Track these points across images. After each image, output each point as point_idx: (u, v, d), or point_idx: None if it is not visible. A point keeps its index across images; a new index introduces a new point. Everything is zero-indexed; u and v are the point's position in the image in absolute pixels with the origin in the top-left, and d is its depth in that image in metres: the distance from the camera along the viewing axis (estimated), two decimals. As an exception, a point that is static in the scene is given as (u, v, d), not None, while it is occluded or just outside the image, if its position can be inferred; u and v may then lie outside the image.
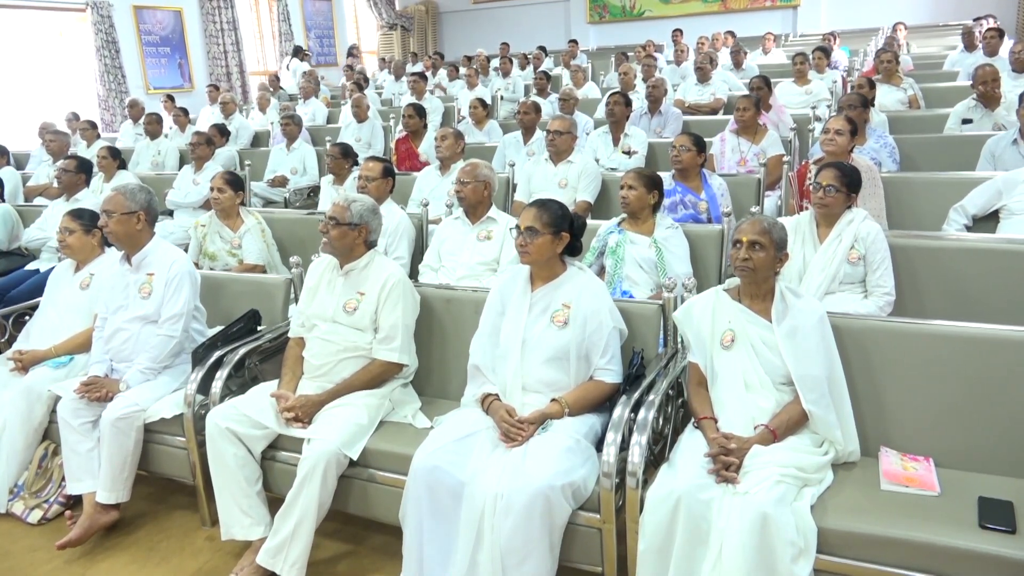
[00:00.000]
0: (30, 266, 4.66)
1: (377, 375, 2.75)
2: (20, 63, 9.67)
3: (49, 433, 3.05)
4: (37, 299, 3.50)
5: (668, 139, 5.12)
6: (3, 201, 5.07)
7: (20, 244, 4.88)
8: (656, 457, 2.32)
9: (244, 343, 3.01)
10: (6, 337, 3.59)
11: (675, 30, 11.68)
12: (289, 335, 2.93)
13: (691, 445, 2.24)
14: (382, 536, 2.75)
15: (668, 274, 3.10)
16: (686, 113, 6.52)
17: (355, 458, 2.53)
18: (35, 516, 2.99)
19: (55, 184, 5.09)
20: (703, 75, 7.34)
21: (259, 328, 3.18)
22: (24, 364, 3.14)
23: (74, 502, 2.94)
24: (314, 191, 6.06)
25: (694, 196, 3.88)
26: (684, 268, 3.20)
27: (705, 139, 4.10)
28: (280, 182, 6.13)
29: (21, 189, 6.04)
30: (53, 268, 3.55)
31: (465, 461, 2.28)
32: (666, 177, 3.79)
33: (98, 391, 2.87)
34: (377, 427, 2.65)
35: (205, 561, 2.74)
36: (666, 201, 3.70)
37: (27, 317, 3.51)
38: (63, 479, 2.94)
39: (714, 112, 6.97)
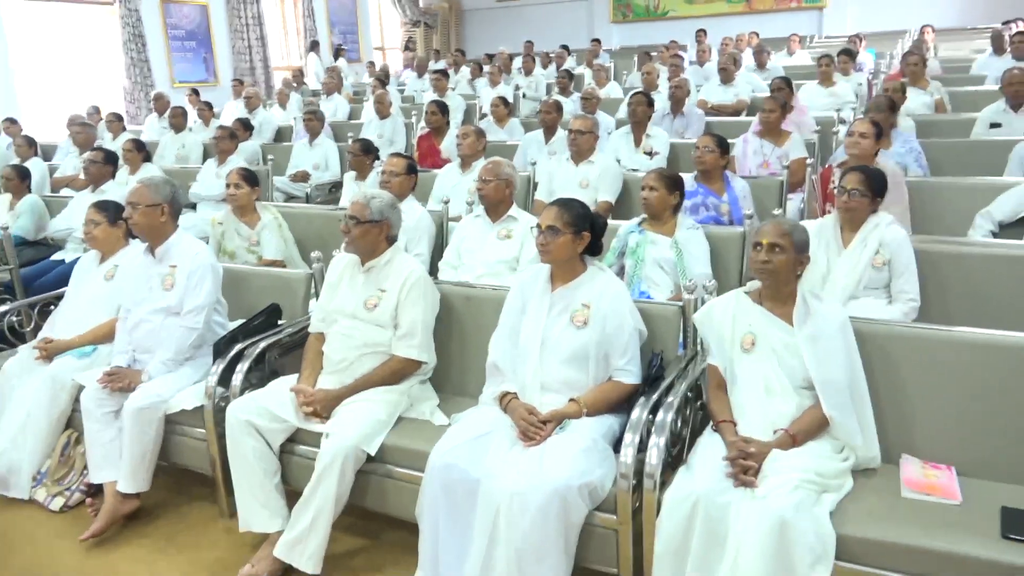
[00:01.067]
0: (55, 256, 4.73)
1: (396, 371, 2.76)
2: (49, 56, 9.79)
3: (72, 422, 3.08)
4: (62, 289, 3.54)
5: (690, 140, 5.09)
6: (30, 192, 5.15)
7: (46, 235, 4.96)
8: (674, 459, 2.31)
9: (265, 337, 3.03)
10: (32, 326, 3.64)
11: (699, 30, 11.62)
12: (309, 330, 2.94)
13: (709, 448, 2.22)
14: (399, 532, 2.75)
15: (688, 276, 3.09)
16: (709, 114, 6.48)
17: (373, 453, 2.54)
18: (57, 503, 3.03)
19: (82, 176, 5.16)
20: (727, 76, 7.30)
21: (280, 322, 3.20)
22: (49, 353, 3.17)
23: (96, 490, 2.97)
24: (336, 186, 6.09)
25: (716, 198, 3.86)
26: (704, 270, 3.18)
27: (728, 140, 4.08)
28: (302, 177, 6.17)
29: (48, 180, 6.14)
30: (78, 259, 3.60)
31: (482, 459, 2.28)
32: (688, 178, 3.78)
33: (121, 381, 2.90)
34: (395, 423, 2.66)
35: (223, 552, 2.76)
36: (688, 203, 3.67)
37: (52, 307, 3.55)
38: (85, 467, 2.98)
39: (737, 113, 6.92)
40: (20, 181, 5.09)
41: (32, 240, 4.89)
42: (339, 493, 2.48)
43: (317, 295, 3.15)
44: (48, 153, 7.06)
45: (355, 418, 2.58)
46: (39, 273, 4.48)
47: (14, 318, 3.61)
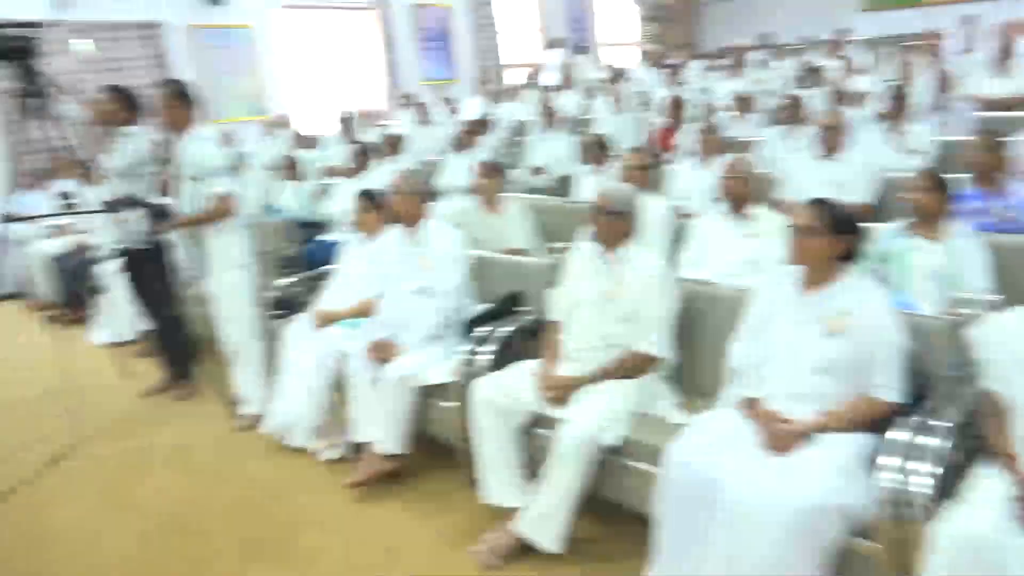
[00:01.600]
0: (326, 236, 5.31)
1: (635, 365, 2.77)
2: (314, 57, 10.94)
3: (341, 385, 3.41)
4: (332, 266, 3.96)
5: (956, 137, 4.60)
6: (302, 179, 5.82)
7: (318, 217, 5.59)
8: (942, 490, 2.10)
9: (508, 322, 3.19)
10: (308, 298, 4.10)
11: (963, 16, 10.36)
12: (549, 318, 3.02)
13: (989, 483, 1.99)
14: (632, 523, 2.70)
15: (963, 287, 2.79)
16: (980, 108, 5.80)
17: (610, 444, 2.57)
18: (327, 455, 3.44)
19: (348, 164, 5.76)
20: (1001, 65, 6.48)
21: (521, 309, 3.35)
22: (322, 322, 3.58)
23: (359, 447, 3.30)
24: (571, 180, 6.22)
25: (995, 202, 3.45)
26: (982, 282, 2.87)
27: (1006, 137, 3.63)
28: (539, 170, 6.38)
29: (318, 168, 6.89)
30: (346, 239, 4.01)
31: (722, 463, 2.21)
32: (959, 180, 3.42)
33: (381, 353, 3.19)
34: (632, 417, 2.67)
35: (465, 519, 2.92)
36: (963, 207, 3.33)
37: (324, 281, 3.97)
38: (351, 426, 3.31)
39: (1010, 108, 6.12)
40: (294, 170, 5.78)
41: (309, 221, 5.53)
42: (577, 479, 2.53)
43: (557, 284, 3.25)
44: (316, 145, 7.91)
45: (593, 408, 2.62)
46: (312, 251, 5.06)
47: (296, 289, 4.10)
